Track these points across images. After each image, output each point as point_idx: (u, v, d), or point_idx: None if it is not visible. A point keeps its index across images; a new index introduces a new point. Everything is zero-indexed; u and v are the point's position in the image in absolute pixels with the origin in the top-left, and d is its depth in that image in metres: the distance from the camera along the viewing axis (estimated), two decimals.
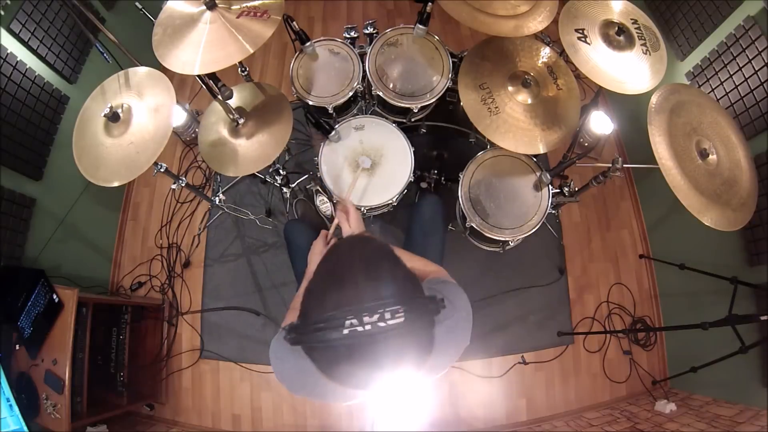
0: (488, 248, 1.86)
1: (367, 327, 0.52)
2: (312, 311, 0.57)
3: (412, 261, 1.10)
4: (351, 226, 1.10)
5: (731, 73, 1.76)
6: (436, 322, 0.66)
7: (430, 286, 0.92)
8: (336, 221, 1.17)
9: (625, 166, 1.51)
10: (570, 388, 2.18)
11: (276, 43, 2.74)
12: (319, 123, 1.67)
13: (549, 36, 1.69)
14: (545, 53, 1.64)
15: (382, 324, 0.52)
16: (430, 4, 1.57)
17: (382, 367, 0.54)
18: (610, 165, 1.48)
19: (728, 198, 1.28)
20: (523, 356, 2.15)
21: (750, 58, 1.68)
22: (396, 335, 0.53)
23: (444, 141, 2.12)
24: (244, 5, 1.31)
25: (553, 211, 1.86)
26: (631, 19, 1.46)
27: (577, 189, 1.71)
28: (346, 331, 0.52)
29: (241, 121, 1.60)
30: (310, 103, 1.69)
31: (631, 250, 2.39)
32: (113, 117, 1.36)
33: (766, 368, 1.62)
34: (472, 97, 1.53)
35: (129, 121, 1.37)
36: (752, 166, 1.37)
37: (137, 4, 1.62)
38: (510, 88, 1.56)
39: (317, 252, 1.18)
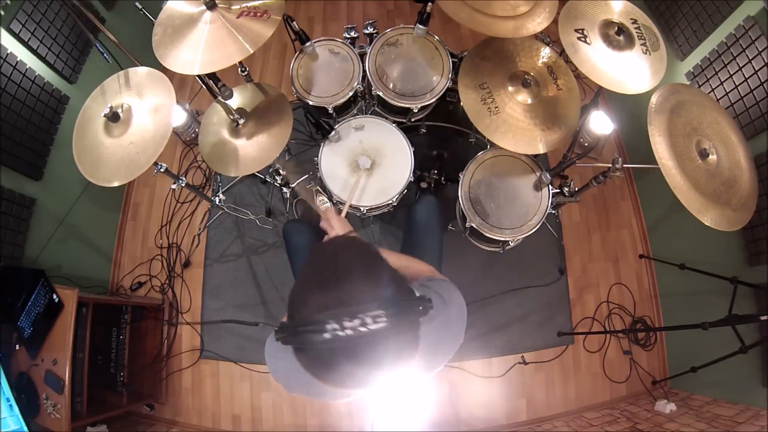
0: (488, 248, 1.86)
1: (348, 332, 0.52)
2: (296, 312, 0.57)
3: (402, 261, 1.11)
4: (336, 230, 1.11)
5: (731, 73, 1.76)
6: (427, 320, 0.66)
7: (421, 283, 0.93)
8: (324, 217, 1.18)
9: (625, 166, 1.51)
10: (570, 388, 2.18)
11: (276, 43, 2.74)
12: (319, 123, 1.67)
13: (549, 36, 1.69)
14: (545, 53, 1.64)
15: (363, 329, 0.52)
16: (430, 4, 1.57)
17: (364, 368, 0.55)
18: (610, 165, 1.48)
19: (728, 198, 1.28)
20: (523, 356, 2.15)
21: (750, 58, 1.68)
22: (378, 339, 0.53)
23: (444, 141, 2.12)
24: (244, 5, 1.31)
25: (553, 211, 1.87)
26: (631, 19, 1.46)
27: (577, 189, 1.71)
28: (327, 335, 0.52)
29: (242, 121, 1.60)
30: (310, 103, 1.69)
31: (631, 250, 2.39)
32: (113, 117, 1.36)
33: (766, 368, 1.62)
34: (472, 97, 1.53)
35: (129, 121, 1.37)
36: (752, 166, 1.37)
37: (137, 4, 1.62)
38: (510, 88, 1.56)
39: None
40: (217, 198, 1.99)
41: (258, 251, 2.35)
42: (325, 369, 0.56)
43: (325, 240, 0.64)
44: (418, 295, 0.63)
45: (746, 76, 1.70)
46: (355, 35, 1.79)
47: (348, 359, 0.54)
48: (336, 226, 1.12)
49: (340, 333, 0.52)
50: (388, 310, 0.54)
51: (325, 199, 1.66)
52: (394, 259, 1.11)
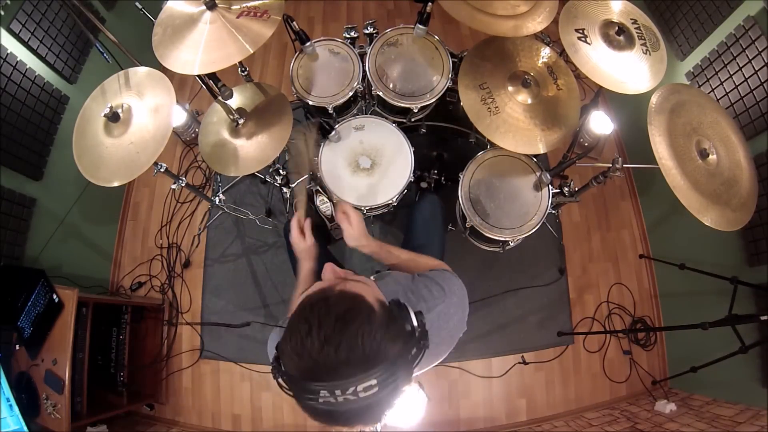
0: (488, 248, 1.86)
1: (340, 399, 0.55)
2: (289, 365, 0.59)
3: (411, 256, 1.11)
4: (353, 227, 1.09)
5: (731, 73, 1.76)
6: (426, 309, 0.66)
7: (422, 274, 0.93)
8: (303, 201, 1.16)
9: (625, 166, 1.51)
10: (570, 388, 2.18)
11: (276, 43, 2.74)
12: (319, 123, 1.67)
13: (549, 36, 1.69)
14: (545, 53, 1.64)
15: (353, 398, 0.55)
16: (430, 4, 1.57)
17: (360, 422, 0.59)
18: (610, 165, 1.48)
19: (728, 198, 1.28)
20: (523, 356, 2.15)
21: (750, 58, 1.68)
22: (370, 403, 0.56)
23: (444, 141, 2.12)
24: (244, 5, 1.31)
25: (553, 211, 1.86)
26: (631, 19, 1.46)
27: (577, 189, 1.71)
28: (321, 400, 0.55)
29: (241, 121, 1.60)
30: (310, 103, 1.69)
31: (631, 250, 2.39)
32: (113, 117, 1.36)
33: (766, 368, 1.62)
34: (472, 97, 1.53)
35: (129, 121, 1.37)
36: (752, 166, 1.37)
37: (137, 4, 1.62)
38: (510, 88, 1.56)
39: (302, 248, 1.17)
40: (217, 198, 1.99)
41: (258, 251, 2.35)
42: (321, 419, 0.59)
43: (312, 292, 0.63)
44: (413, 314, 0.64)
45: (746, 76, 1.70)
46: (355, 35, 1.79)
47: (342, 418, 0.58)
48: (354, 224, 1.08)
49: (332, 400, 0.55)
50: (381, 377, 0.55)
51: (325, 199, 1.66)
52: (405, 255, 1.11)
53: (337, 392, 0.54)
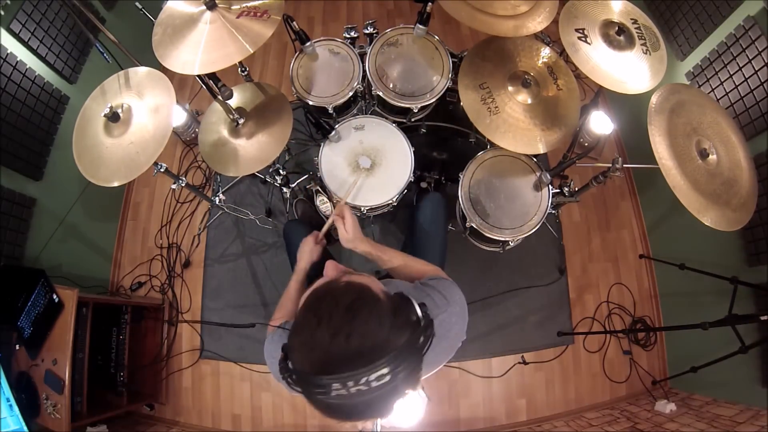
0: (488, 248, 1.86)
1: (353, 390, 0.54)
2: (299, 362, 0.58)
3: (407, 260, 1.11)
4: (347, 229, 1.11)
5: (731, 73, 1.76)
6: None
7: (423, 282, 0.93)
8: (330, 221, 1.18)
9: (625, 166, 1.51)
10: (570, 388, 2.18)
11: (276, 43, 2.74)
12: (319, 123, 1.67)
13: (549, 36, 1.69)
14: (545, 53, 1.64)
15: (365, 388, 0.54)
16: (430, 4, 1.57)
17: (370, 414, 0.59)
18: (610, 165, 1.48)
19: (728, 198, 1.28)
20: (523, 356, 2.15)
21: (750, 58, 1.68)
22: (382, 393, 0.56)
23: (444, 141, 2.12)
24: (244, 5, 1.31)
25: (553, 211, 1.86)
26: (631, 19, 1.46)
27: (577, 189, 1.71)
28: (333, 393, 0.55)
29: (241, 121, 1.60)
30: (310, 103, 1.69)
31: (631, 250, 2.39)
32: (113, 117, 1.36)
33: (766, 368, 1.62)
34: (472, 97, 1.53)
35: (129, 121, 1.37)
36: (752, 166, 1.37)
37: (137, 4, 1.62)
38: (510, 88, 1.56)
39: (306, 251, 1.20)
40: (217, 198, 1.99)
41: (258, 251, 2.35)
42: (332, 415, 0.59)
43: (321, 286, 0.63)
44: (416, 305, 0.63)
45: (746, 76, 1.70)
46: (355, 35, 1.79)
47: (354, 411, 0.57)
48: (349, 228, 1.11)
49: (344, 392, 0.54)
50: (392, 365, 0.55)
51: (325, 199, 1.66)
52: (401, 259, 1.11)
53: (350, 383, 0.53)
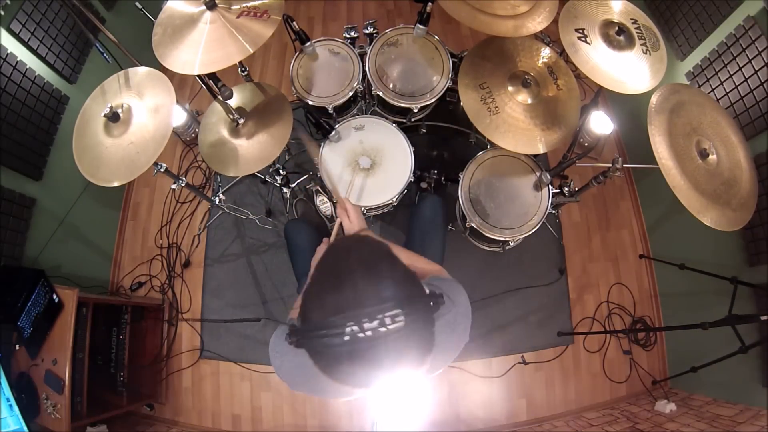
0: (488, 248, 1.86)
1: (368, 333, 0.52)
2: (312, 314, 0.57)
3: (411, 259, 1.10)
4: (352, 221, 1.12)
5: (731, 73, 1.76)
6: (436, 318, 0.66)
7: (429, 282, 0.93)
8: (337, 225, 1.18)
9: (625, 166, 1.51)
10: (570, 388, 2.18)
11: (276, 43, 2.74)
12: (319, 123, 1.67)
13: (549, 36, 1.69)
14: (545, 53, 1.64)
15: (382, 329, 0.53)
16: (430, 4, 1.57)
17: (383, 367, 0.55)
18: (610, 165, 1.48)
19: (728, 198, 1.28)
20: (523, 356, 2.15)
21: (750, 58, 1.68)
22: (397, 338, 0.54)
23: (444, 141, 2.12)
24: (244, 5, 1.31)
25: (553, 211, 1.87)
26: (631, 19, 1.46)
27: (577, 189, 1.71)
28: (347, 338, 0.53)
29: (241, 121, 1.60)
30: (310, 103, 1.69)
31: (631, 250, 2.39)
32: (113, 117, 1.36)
33: (766, 368, 1.62)
34: (472, 96, 1.53)
35: (129, 121, 1.37)
36: (752, 166, 1.37)
37: (137, 4, 1.62)
38: (510, 88, 1.56)
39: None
40: (217, 198, 1.99)
41: (258, 251, 2.35)
42: (341, 368, 0.56)
43: (336, 240, 0.64)
44: (428, 292, 0.63)
45: (746, 76, 1.70)
46: (355, 35, 1.79)
47: (368, 360, 0.54)
48: (354, 220, 1.12)
49: (360, 334, 0.52)
50: (405, 309, 0.54)
51: (325, 199, 1.66)
52: (406, 256, 1.11)
53: (365, 320, 0.52)
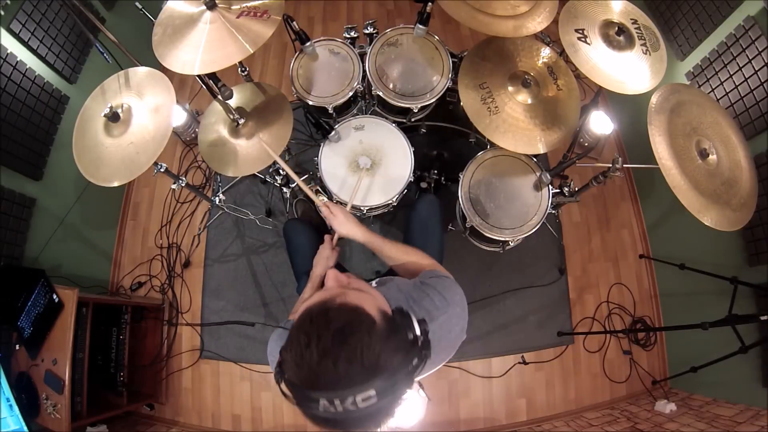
0: (488, 248, 1.86)
1: (340, 409, 0.55)
2: (290, 372, 0.59)
3: (407, 254, 1.11)
4: (340, 222, 1.15)
5: (731, 73, 1.76)
6: (429, 320, 0.66)
7: (422, 281, 0.93)
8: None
9: (625, 166, 1.51)
10: (570, 388, 2.18)
11: (276, 43, 2.74)
12: (319, 123, 1.67)
13: (549, 36, 1.69)
14: (545, 53, 1.64)
15: (353, 408, 0.55)
16: (430, 4, 1.57)
17: (361, 428, 0.60)
18: (610, 165, 1.48)
19: (728, 198, 1.28)
20: (523, 356, 2.15)
21: (750, 58, 1.68)
22: (370, 413, 0.57)
23: (444, 141, 2.12)
24: (244, 5, 1.31)
25: (553, 211, 1.86)
26: (631, 19, 1.46)
27: (577, 189, 1.71)
28: (321, 409, 0.56)
29: (241, 121, 1.60)
30: (310, 103, 1.69)
31: (631, 250, 2.39)
32: (113, 117, 1.36)
33: (766, 368, 1.62)
34: (472, 96, 1.53)
35: (129, 121, 1.37)
36: (752, 166, 1.37)
37: (137, 4, 1.62)
38: (510, 88, 1.56)
39: (324, 256, 1.21)
40: (217, 198, 1.99)
41: (258, 251, 2.35)
42: (323, 426, 0.60)
43: (313, 303, 0.62)
44: (416, 323, 0.64)
45: (746, 76, 1.70)
46: (355, 35, 1.79)
47: (343, 426, 0.59)
48: (339, 215, 1.15)
49: (332, 409, 0.55)
50: (379, 388, 0.56)
51: (325, 199, 1.66)
52: (398, 251, 1.11)
53: (336, 402, 0.55)
